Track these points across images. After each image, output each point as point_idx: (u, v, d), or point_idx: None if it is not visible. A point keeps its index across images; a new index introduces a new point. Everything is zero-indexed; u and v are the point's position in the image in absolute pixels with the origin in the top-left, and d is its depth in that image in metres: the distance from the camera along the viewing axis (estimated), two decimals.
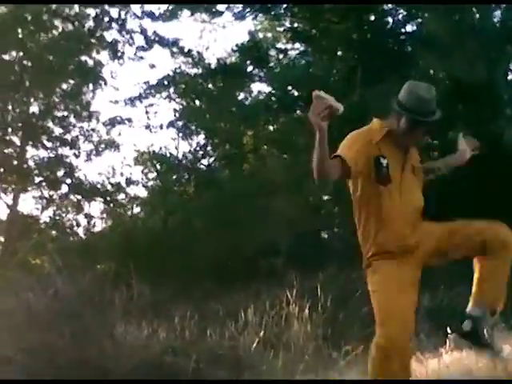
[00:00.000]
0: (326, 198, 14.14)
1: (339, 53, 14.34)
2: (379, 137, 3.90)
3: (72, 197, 16.07)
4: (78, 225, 15.97)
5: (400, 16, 13.96)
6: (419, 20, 13.53)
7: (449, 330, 5.64)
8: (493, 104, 12.20)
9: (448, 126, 12.03)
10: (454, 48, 11.15)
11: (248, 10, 14.53)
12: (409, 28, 14.18)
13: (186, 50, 15.33)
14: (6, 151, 15.63)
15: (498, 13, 13.04)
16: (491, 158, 11.66)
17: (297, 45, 15.09)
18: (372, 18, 14.29)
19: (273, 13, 14.81)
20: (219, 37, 19.84)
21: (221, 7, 14.61)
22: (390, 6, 13.91)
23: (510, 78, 13.55)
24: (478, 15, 12.39)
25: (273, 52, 15.20)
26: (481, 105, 11.93)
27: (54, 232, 16.18)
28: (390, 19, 14.18)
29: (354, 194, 3.98)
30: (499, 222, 3.89)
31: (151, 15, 14.97)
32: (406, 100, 3.89)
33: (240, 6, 14.40)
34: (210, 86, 15.41)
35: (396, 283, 3.79)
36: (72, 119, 16.12)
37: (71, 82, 15.87)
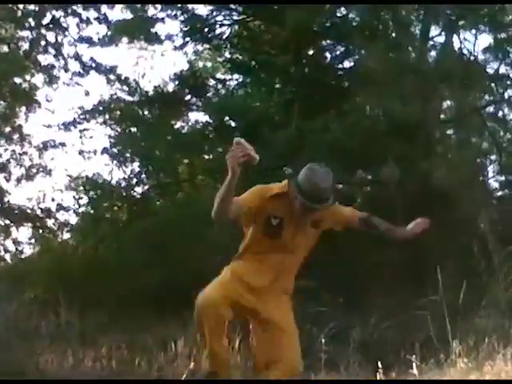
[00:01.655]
0: None
1: (277, 85, 14.44)
2: (274, 192, 4.25)
3: (0, 221, 15.73)
4: (6, 250, 15.62)
5: (338, 52, 14.17)
6: (356, 56, 13.76)
7: (379, 364, 5.68)
8: (425, 142, 12.43)
9: (381, 161, 12.22)
10: (390, 85, 11.35)
11: (188, 39, 14.55)
12: (346, 64, 14.40)
13: (122, 78, 15.21)
14: None
15: (433, 53, 13.41)
16: (420, 196, 11.88)
17: (235, 75, 15.16)
18: (310, 52, 14.47)
19: (213, 43, 14.86)
20: (156, 64, 19.74)
21: (162, 35, 14.59)
22: (328, 41, 14.10)
23: (442, 117, 13.86)
24: (413, 54, 12.67)
25: (211, 82, 15.24)
26: (414, 143, 12.15)
27: None
28: (328, 54, 14.38)
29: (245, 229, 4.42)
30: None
31: (89, 40, 14.82)
32: (303, 184, 4.17)
33: (180, 36, 14.42)
34: (146, 113, 15.30)
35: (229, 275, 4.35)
36: (3, 142, 15.82)
37: (2, 103, 15.59)
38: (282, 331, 4.25)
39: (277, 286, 4.34)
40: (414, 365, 5.35)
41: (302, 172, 4.23)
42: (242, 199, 4.17)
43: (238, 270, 4.34)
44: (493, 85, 13.02)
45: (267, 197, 4.23)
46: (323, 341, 6.96)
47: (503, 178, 13.38)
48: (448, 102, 14.33)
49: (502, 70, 12.83)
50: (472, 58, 12.85)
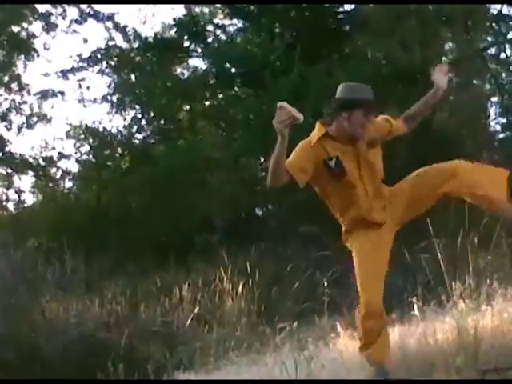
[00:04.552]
0: (261, 174, 14.19)
1: (278, 30, 14.28)
2: (316, 138, 4.23)
3: (2, 170, 15.75)
4: (8, 199, 15.67)
5: None
6: None
7: None
8: (426, 86, 12.34)
9: (383, 105, 12.15)
10: (391, 28, 11.24)
11: None
12: (347, 7, 14.21)
13: (121, 26, 15.07)
14: None
15: None
16: (422, 140, 11.86)
17: (235, 21, 15.00)
18: None
19: None
20: (156, 10, 19.51)
21: None
22: None
23: (443, 60, 13.74)
24: None
25: (210, 27, 15.07)
26: (415, 86, 12.07)
27: None
28: None
29: (317, 190, 4.38)
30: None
31: None
32: (341, 92, 4.32)
33: None
34: (145, 59, 15.17)
35: (368, 254, 4.25)
36: (2, 91, 15.74)
37: (0, 52, 15.47)
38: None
39: (387, 216, 4.38)
40: (415, 306, 5.40)
41: (341, 91, 4.33)
42: (296, 158, 4.18)
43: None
44: (495, 26, 12.88)
45: (313, 146, 4.22)
46: (326, 284, 7.01)
47: (505, 120, 13.33)
48: (450, 44, 14.19)
49: (505, 10, 12.70)
50: None
